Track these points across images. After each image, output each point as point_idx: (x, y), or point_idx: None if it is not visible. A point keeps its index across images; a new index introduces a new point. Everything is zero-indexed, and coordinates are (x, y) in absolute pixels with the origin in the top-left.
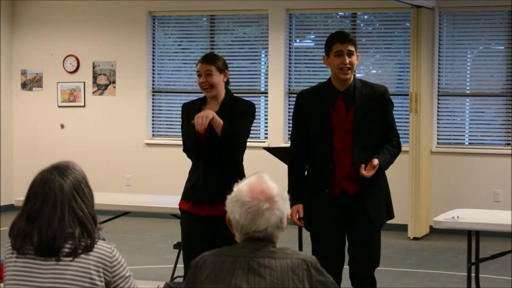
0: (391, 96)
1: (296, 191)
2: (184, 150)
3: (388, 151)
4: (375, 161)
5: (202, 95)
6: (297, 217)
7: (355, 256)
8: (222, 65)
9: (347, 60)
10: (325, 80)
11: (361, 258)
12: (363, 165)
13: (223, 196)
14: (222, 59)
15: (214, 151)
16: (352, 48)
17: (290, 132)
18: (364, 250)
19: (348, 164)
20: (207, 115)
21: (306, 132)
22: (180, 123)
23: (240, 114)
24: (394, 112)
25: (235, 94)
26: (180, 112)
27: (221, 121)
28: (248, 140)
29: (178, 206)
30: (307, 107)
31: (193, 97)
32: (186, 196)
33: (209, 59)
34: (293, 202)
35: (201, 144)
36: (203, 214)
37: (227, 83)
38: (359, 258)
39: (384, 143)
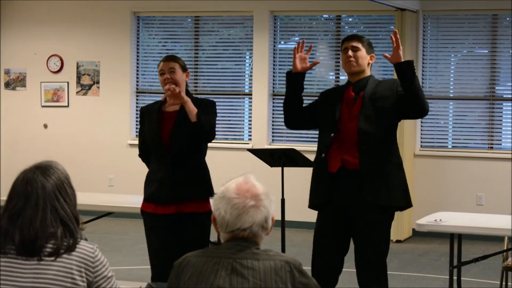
0: None
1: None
2: (140, 155)
3: None
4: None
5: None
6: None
7: (356, 247)
8: (184, 64)
9: (350, 53)
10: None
11: (363, 249)
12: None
13: (190, 193)
14: (182, 60)
15: (178, 147)
16: (356, 44)
17: (273, 134)
18: (364, 238)
19: (353, 133)
20: (183, 95)
21: (312, 108)
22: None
23: (204, 111)
24: None
25: (216, 95)
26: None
27: (195, 108)
28: (231, 141)
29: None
30: (323, 97)
31: None
32: (150, 197)
33: (172, 58)
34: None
35: (165, 142)
36: (169, 213)
37: (186, 84)
38: (361, 249)
39: None
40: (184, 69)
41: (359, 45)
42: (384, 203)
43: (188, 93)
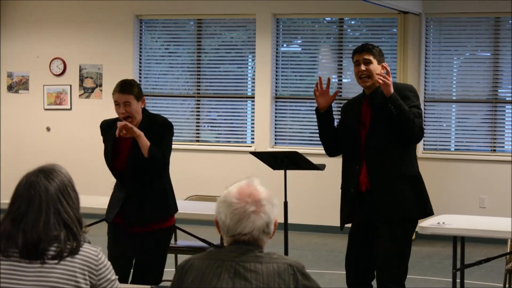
0: None
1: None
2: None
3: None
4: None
5: (187, 100)
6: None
7: (376, 260)
8: (139, 92)
9: (363, 67)
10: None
11: (378, 262)
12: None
13: (149, 219)
14: (137, 85)
15: (133, 175)
16: (368, 57)
17: (276, 137)
18: (380, 252)
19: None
20: (135, 130)
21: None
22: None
23: (159, 135)
24: None
25: (218, 98)
26: None
27: (147, 142)
28: (234, 144)
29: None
30: (344, 113)
31: (180, 101)
32: (108, 218)
33: (126, 89)
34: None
35: (120, 168)
36: (128, 231)
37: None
38: (377, 263)
39: None
40: (138, 98)
41: (371, 58)
42: (396, 218)
43: (145, 112)
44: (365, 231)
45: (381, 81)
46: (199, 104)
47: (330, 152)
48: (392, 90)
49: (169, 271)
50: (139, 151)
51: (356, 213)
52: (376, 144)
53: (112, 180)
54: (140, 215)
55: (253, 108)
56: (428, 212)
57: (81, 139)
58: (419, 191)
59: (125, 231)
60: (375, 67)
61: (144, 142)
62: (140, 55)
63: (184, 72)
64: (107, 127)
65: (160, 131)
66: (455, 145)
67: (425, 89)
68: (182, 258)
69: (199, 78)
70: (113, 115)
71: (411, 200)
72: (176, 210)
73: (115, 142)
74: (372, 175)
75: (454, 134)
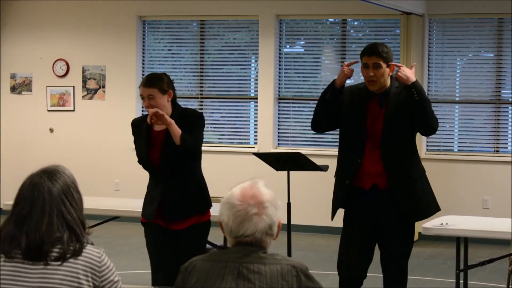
0: None
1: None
2: (139, 162)
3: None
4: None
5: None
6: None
7: (386, 255)
8: (166, 85)
9: (371, 73)
10: (312, 84)
11: (389, 261)
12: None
13: (187, 214)
14: (166, 78)
15: (169, 168)
16: (377, 61)
17: (279, 138)
18: (391, 251)
19: (378, 159)
20: (166, 118)
21: (338, 109)
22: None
23: (190, 126)
24: None
25: (221, 99)
26: None
27: (179, 130)
28: (237, 145)
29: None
30: (347, 97)
31: (183, 102)
32: (148, 216)
33: (150, 82)
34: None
35: (155, 162)
36: (169, 229)
37: (174, 98)
38: (385, 262)
39: None
40: (164, 91)
41: (380, 62)
42: (415, 219)
43: (175, 106)
44: (364, 230)
45: (399, 76)
46: (202, 105)
47: (319, 128)
48: (412, 78)
49: None
50: (172, 142)
51: (350, 205)
52: (394, 145)
53: (115, 181)
54: (178, 208)
55: (256, 109)
56: (439, 208)
57: (84, 140)
58: (429, 189)
59: (167, 230)
60: (384, 71)
61: (176, 129)
62: (143, 56)
63: (187, 73)
64: (137, 123)
65: (191, 121)
66: (458, 146)
67: (428, 90)
68: None
69: (202, 79)
70: (116, 115)
71: (431, 201)
72: (211, 205)
73: (149, 137)
74: (393, 175)
75: (457, 135)
